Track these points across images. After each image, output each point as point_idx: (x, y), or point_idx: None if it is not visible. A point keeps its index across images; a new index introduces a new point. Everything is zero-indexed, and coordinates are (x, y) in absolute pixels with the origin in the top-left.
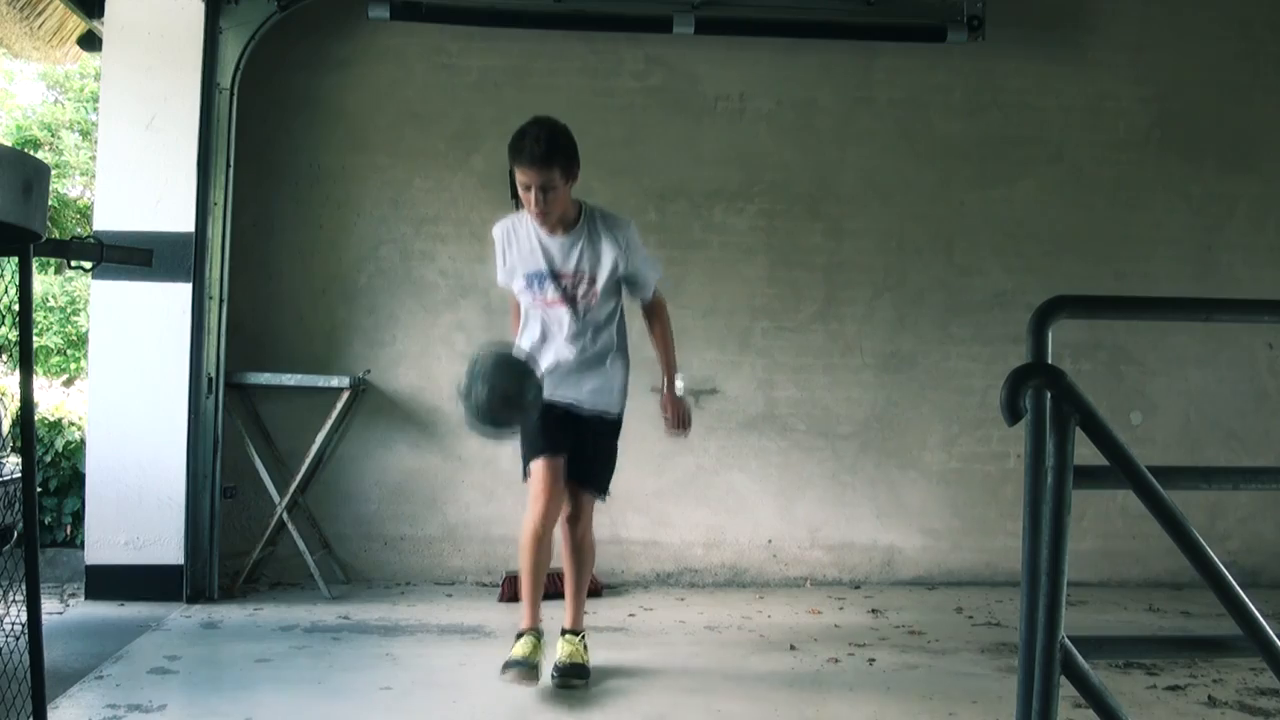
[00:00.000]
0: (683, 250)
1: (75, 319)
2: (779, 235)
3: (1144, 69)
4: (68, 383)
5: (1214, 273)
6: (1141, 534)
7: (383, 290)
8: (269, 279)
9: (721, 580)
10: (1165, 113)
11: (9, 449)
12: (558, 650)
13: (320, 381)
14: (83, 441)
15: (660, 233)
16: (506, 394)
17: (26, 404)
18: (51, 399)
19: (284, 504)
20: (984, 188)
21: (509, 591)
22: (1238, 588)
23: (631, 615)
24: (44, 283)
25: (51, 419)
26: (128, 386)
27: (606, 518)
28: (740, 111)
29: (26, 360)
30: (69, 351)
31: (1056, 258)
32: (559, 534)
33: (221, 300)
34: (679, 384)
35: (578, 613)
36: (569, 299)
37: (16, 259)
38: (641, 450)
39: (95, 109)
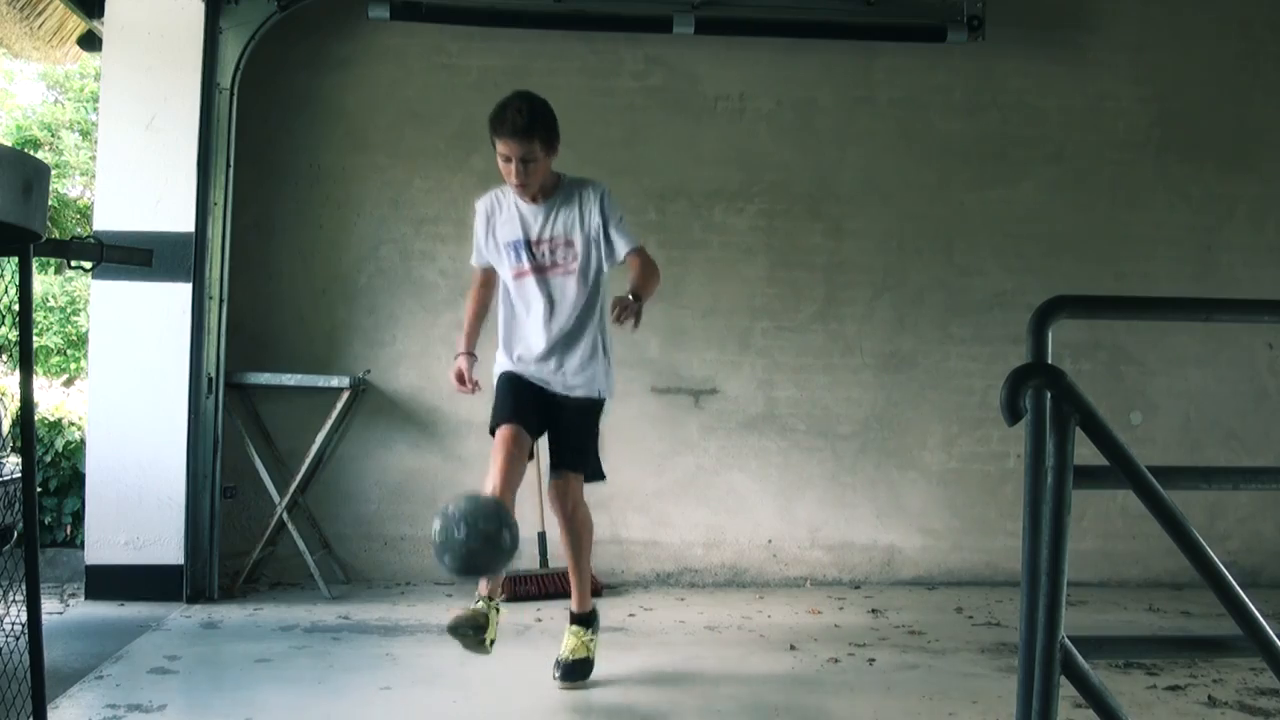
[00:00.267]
0: (683, 250)
1: (75, 319)
2: (779, 235)
3: (1144, 69)
4: (68, 383)
5: (1214, 273)
6: (1141, 534)
7: (383, 290)
8: (269, 279)
9: (721, 580)
10: (1165, 113)
11: (9, 449)
12: (563, 643)
13: (320, 381)
14: (83, 441)
15: (660, 233)
16: (486, 534)
17: (26, 404)
18: (51, 399)
19: (284, 504)
20: (984, 188)
21: (509, 592)
22: (1238, 588)
23: (631, 615)
24: (44, 283)
25: (51, 419)
26: (128, 386)
27: (606, 517)
28: (740, 111)
29: (26, 360)
30: (69, 351)
31: (1056, 258)
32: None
33: (221, 300)
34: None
35: (582, 594)
36: (549, 266)
37: (16, 259)
38: (641, 450)
39: (95, 109)
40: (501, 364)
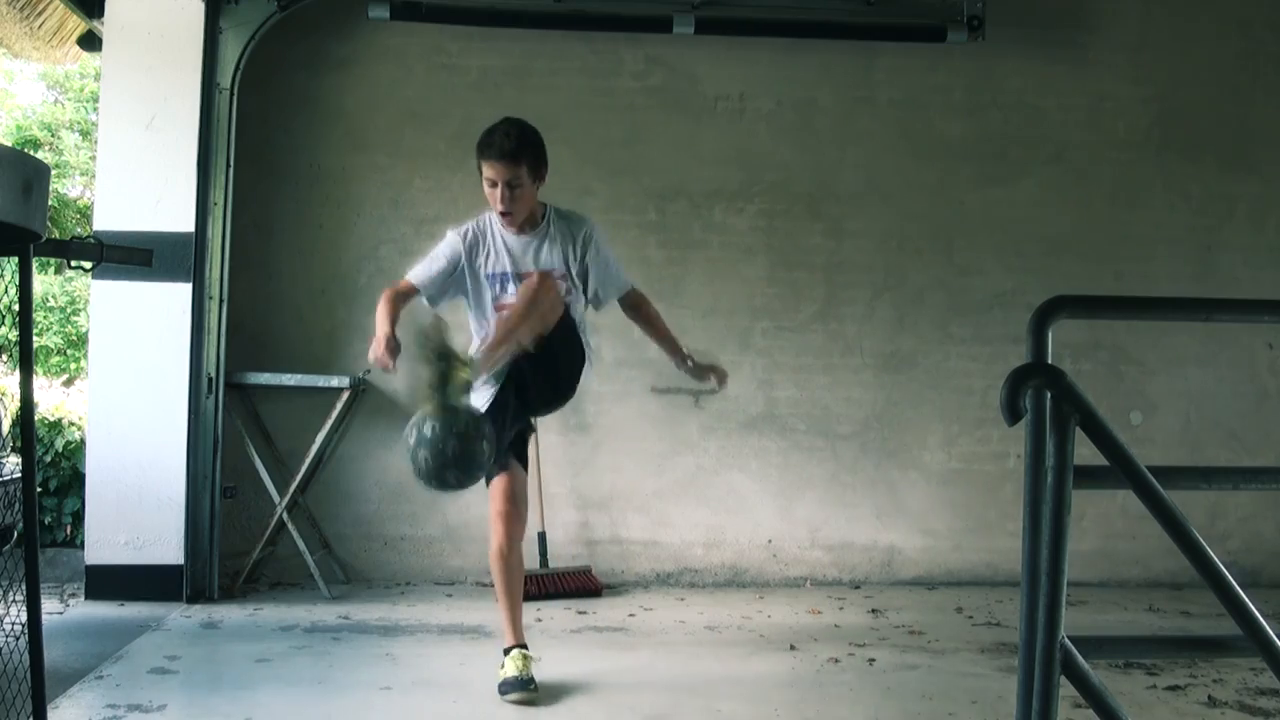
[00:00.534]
0: (683, 250)
1: (75, 319)
2: (779, 235)
3: (1144, 69)
4: (68, 383)
5: (1214, 273)
6: (1141, 534)
7: (382, 290)
8: (269, 279)
9: (721, 580)
10: (1165, 113)
11: (9, 449)
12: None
13: (320, 381)
14: (83, 441)
15: (660, 233)
16: (455, 453)
17: (26, 404)
18: (51, 399)
19: (284, 504)
20: (984, 188)
21: None
22: (1238, 588)
23: (631, 615)
24: (44, 283)
25: (51, 419)
26: (128, 386)
27: (606, 517)
28: (740, 111)
29: (26, 360)
30: (69, 351)
31: (1056, 258)
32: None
33: (221, 300)
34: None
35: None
36: None
37: (16, 259)
38: (641, 450)
39: (95, 109)
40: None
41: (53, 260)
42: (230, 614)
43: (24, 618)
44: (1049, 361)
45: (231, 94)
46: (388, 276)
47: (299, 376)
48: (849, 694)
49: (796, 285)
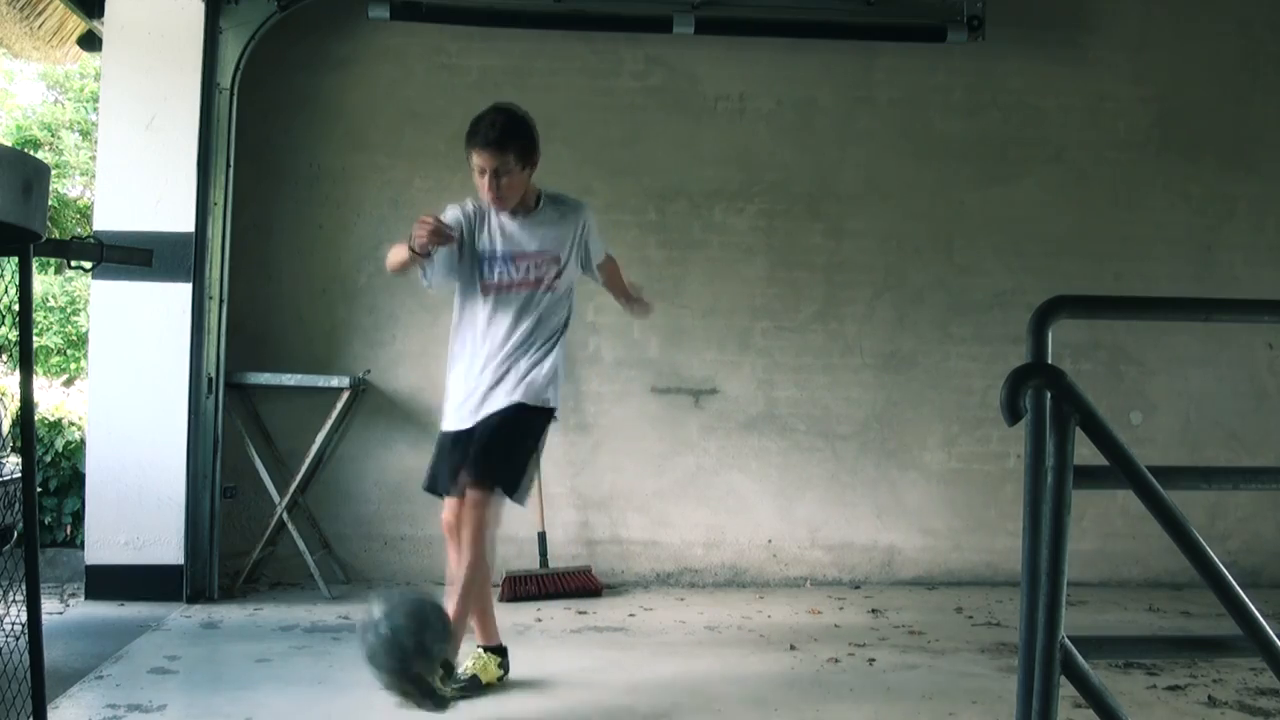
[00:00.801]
0: (683, 250)
1: (75, 319)
2: (779, 235)
3: (1144, 69)
4: (68, 383)
5: (1214, 273)
6: (1141, 534)
7: (382, 290)
8: (269, 279)
9: (721, 580)
10: (1165, 113)
11: (9, 449)
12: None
13: (320, 381)
14: (83, 441)
15: (660, 233)
16: (413, 643)
17: (26, 404)
18: (51, 399)
19: (284, 504)
20: (984, 188)
21: (509, 592)
22: (1238, 588)
23: (631, 615)
24: (44, 283)
25: (51, 419)
26: (128, 386)
27: (607, 517)
28: (740, 111)
29: (26, 360)
30: (69, 351)
31: (1056, 258)
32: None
33: (221, 300)
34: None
35: (483, 628)
36: (530, 281)
37: (16, 259)
38: (641, 450)
39: (95, 109)
40: (444, 417)
41: (53, 260)
42: (230, 614)
43: (24, 618)
44: (1049, 361)
45: (231, 94)
46: (387, 276)
47: (299, 376)
48: (849, 694)
49: (796, 285)
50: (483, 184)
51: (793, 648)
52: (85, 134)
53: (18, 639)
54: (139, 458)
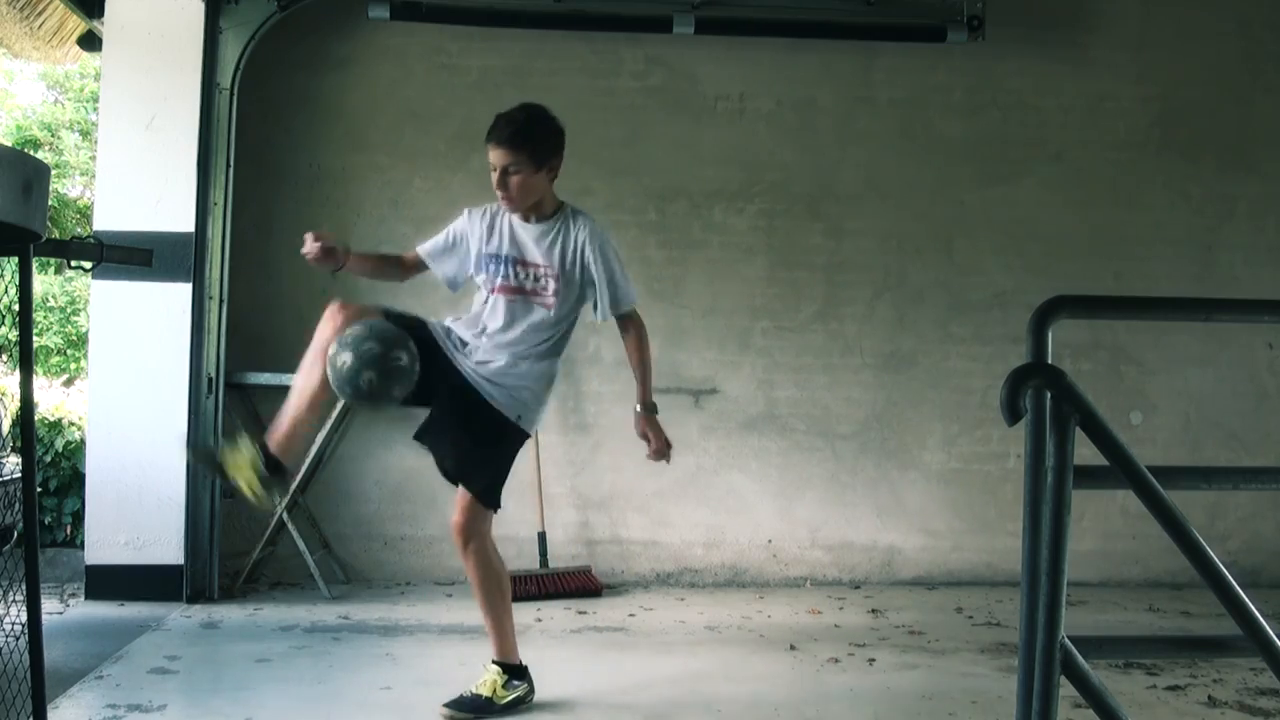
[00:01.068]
0: (683, 250)
1: (75, 319)
2: (779, 235)
3: (1144, 69)
4: (68, 383)
5: (1214, 273)
6: (1141, 534)
7: (383, 290)
8: (269, 279)
9: (721, 580)
10: (1165, 113)
11: (9, 449)
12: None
13: None
14: (83, 441)
15: (660, 233)
16: (374, 357)
17: (26, 404)
18: (51, 399)
19: (284, 504)
20: (984, 188)
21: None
22: (1238, 588)
23: (631, 615)
24: (44, 283)
25: (51, 419)
26: (128, 386)
27: (606, 517)
28: (740, 111)
29: (26, 360)
30: (69, 351)
31: (1056, 258)
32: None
33: (221, 300)
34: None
35: (494, 642)
36: (528, 290)
37: (16, 259)
38: (641, 450)
39: (95, 109)
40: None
41: (53, 260)
42: (230, 614)
43: (24, 618)
44: (1049, 361)
45: (231, 94)
46: None
47: None
48: (849, 694)
49: (796, 285)
50: (495, 180)
51: (793, 648)
52: (85, 134)
53: (18, 639)
54: (139, 458)
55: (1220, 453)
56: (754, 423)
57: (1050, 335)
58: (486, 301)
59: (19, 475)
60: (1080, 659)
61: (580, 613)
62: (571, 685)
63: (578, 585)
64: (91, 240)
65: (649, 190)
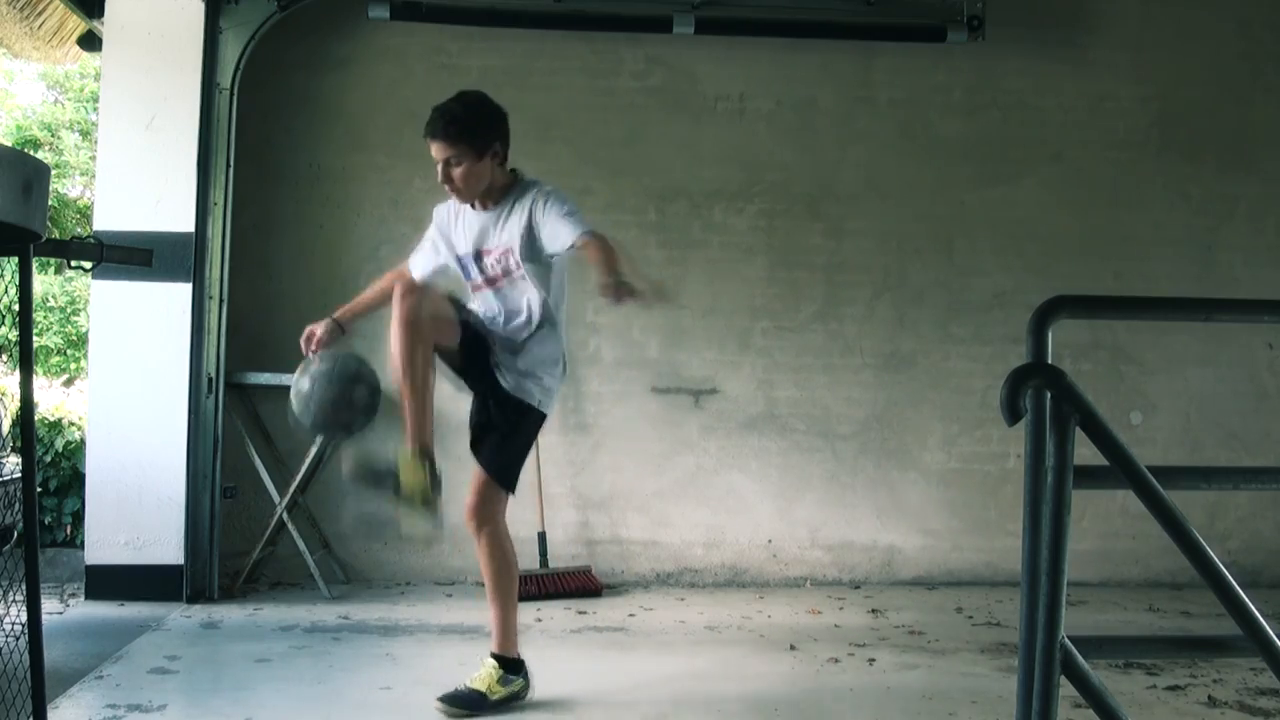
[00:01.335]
0: (683, 250)
1: (75, 319)
2: (779, 235)
3: (1144, 69)
4: (68, 383)
5: (1214, 273)
6: (1141, 534)
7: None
8: (269, 279)
9: (721, 580)
10: (1165, 113)
11: (9, 449)
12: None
13: None
14: (83, 441)
15: (660, 233)
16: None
17: (26, 404)
18: (51, 399)
19: (284, 504)
20: (984, 188)
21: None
22: (1238, 588)
23: (631, 615)
24: (44, 283)
25: (51, 419)
26: (128, 386)
27: (607, 518)
28: (740, 111)
29: (26, 360)
30: (69, 351)
31: (1056, 258)
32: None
33: (221, 300)
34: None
35: (496, 632)
36: (500, 276)
37: (16, 259)
38: (641, 450)
39: (95, 109)
40: None
41: (53, 260)
42: (230, 614)
43: (24, 618)
44: (1049, 361)
45: (231, 94)
46: None
47: None
48: (849, 694)
49: (796, 285)
50: (438, 174)
51: (793, 648)
52: (85, 134)
53: (18, 639)
54: (139, 458)
55: (1220, 453)
56: (754, 423)
57: (1050, 335)
58: (480, 301)
59: (19, 475)
60: (1080, 659)
61: (580, 613)
62: (571, 685)
63: (578, 585)
64: (91, 240)
65: (649, 190)
